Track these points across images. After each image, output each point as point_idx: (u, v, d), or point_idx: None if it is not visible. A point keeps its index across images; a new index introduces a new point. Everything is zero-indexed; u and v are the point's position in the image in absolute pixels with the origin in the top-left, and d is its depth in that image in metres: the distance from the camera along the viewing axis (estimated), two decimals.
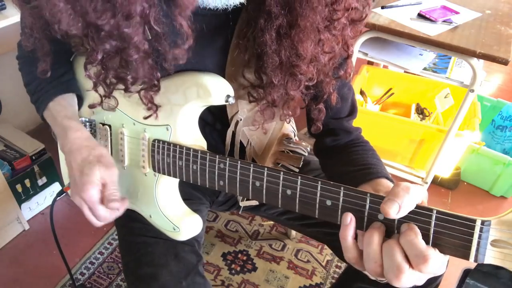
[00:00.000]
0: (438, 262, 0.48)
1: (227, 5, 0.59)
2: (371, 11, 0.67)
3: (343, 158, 0.83)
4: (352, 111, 0.87)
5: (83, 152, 0.73)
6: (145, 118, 0.73)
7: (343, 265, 1.54)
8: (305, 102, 0.78)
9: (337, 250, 0.97)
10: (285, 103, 0.73)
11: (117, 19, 0.54)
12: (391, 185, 0.68)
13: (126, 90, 0.66)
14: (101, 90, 0.69)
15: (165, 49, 0.60)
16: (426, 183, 1.76)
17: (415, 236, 0.48)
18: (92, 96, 0.84)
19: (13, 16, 1.33)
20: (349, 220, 0.53)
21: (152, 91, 0.68)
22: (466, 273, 0.47)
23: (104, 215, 0.72)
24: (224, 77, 0.72)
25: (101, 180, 0.71)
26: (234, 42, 0.70)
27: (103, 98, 0.71)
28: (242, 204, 1.00)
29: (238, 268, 1.53)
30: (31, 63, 0.83)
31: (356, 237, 0.55)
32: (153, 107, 0.70)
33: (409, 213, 0.50)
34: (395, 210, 0.48)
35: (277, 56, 0.64)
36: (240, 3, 0.59)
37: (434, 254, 0.48)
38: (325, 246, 1.63)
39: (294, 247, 1.63)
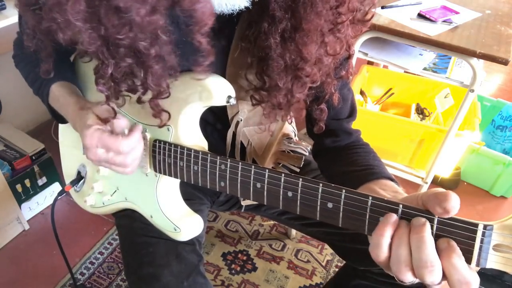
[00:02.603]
0: (477, 285, 0.46)
1: (233, 10, 0.59)
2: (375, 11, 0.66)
3: (344, 159, 0.83)
4: (352, 113, 0.87)
5: (80, 113, 0.72)
6: (160, 127, 0.72)
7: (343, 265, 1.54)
8: (307, 103, 0.78)
9: (338, 249, 0.97)
10: (290, 106, 0.72)
11: (132, 32, 0.54)
12: (397, 186, 0.68)
13: (139, 101, 0.67)
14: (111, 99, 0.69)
15: (171, 57, 0.60)
16: (426, 183, 1.76)
17: (459, 259, 0.46)
18: (93, 95, 0.84)
19: (13, 16, 1.33)
20: (394, 219, 0.50)
21: (161, 98, 0.67)
22: None
23: (120, 144, 0.68)
24: (225, 77, 0.72)
25: (100, 117, 0.69)
26: (235, 44, 0.70)
27: (112, 100, 0.71)
28: (244, 203, 1.00)
29: (238, 268, 1.53)
30: (27, 58, 0.83)
31: None
32: (161, 115, 0.69)
33: (411, 217, 0.50)
34: (457, 204, 0.46)
35: (282, 59, 0.64)
36: (245, 7, 0.59)
37: (476, 279, 0.46)
38: (325, 246, 1.63)
39: (294, 247, 1.63)
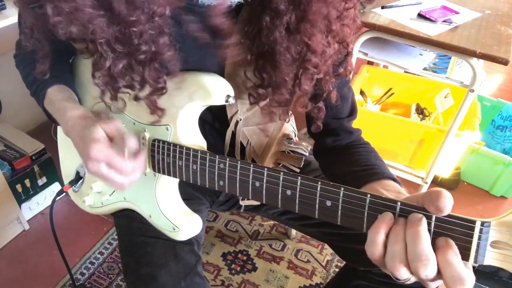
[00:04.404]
0: (473, 281, 0.46)
1: (231, 2, 0.59)
2: (370, 8, 0.66)
3: (346, 159, 0.83)
4: (352, 112, 0.87)
5: (81, 122, 0.70)
6: (151, 123, 0.73)
7: (343, 265, 1.54)
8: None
9: (338, 250, 0.97)
10: (298, 100, 0.71)
11: (144, 15, 0.54)
12: (400, 187, 0.68)
13: (136, 98, 0.67)
14: (107, 96, 0.69)
15: (171, 52, 0.60)
16: (426, 183, 1.76)
17: (455, 256, 0.46)
18: (91, 99, 0.84)
19: (13, 16, 1.33)
20: (390, 217, 0.51)
21: (158, 94, 0.67)
22: None
23: (123, 164, 0.67)
24: (223, 76, 0.72)
25: (108, 134, 0.68)
26: (234, 41, 0.70)
27: (110, 101, 0.71)
28: (243, 203, 1.00)
29: (238, 268, 1.53)
30: (28, 58, 0.83)
31: None
32: (157, 112, 0.70)
33: (409, 214, 0.50)
34: (450, 206, 0.46)
35: (288, 53, 0.63)
36: (243, 0, 0.59)
37: (471, 277, 0.45)
38: (325, 246, 1.63)
39: (294, 247, 1.63)
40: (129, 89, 0.65)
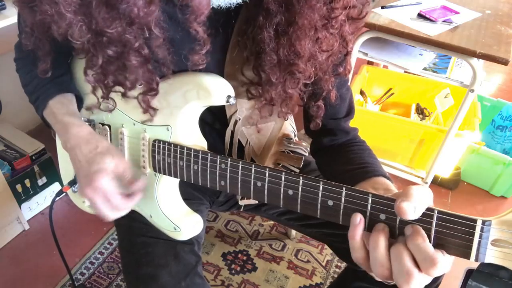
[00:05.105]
0: (446, 264, 0.48)
1: (230, 4, 0.59)
2: (370, 9, 0.67)
3: (341, 157, 0.84)
4: (350, 112, 0.87)
5: (90, 144, 0.71)
6: (143, 122, 0.73)
7: (343, 265, 1.54)
8: (304, 100, 0.78)
9: (338, 250, 0.97)
10: (283, 101, 0.72)
11: (121, 25, 0.54)
12: (389, 183, 0.69)
13: (124, 95, 0.67)
14: (99, 92, 0.69)
15: (164, 54, 0.61)
16: (426, 183, 1.76)
17: (422, 240, 0.48)
18: (91, 98, 0.84)
19: (13, 16, 1.33)
20: (359, 220, 0.53)
21: (150, 95, 0.68)
22: (469, 273, 0.48)
23: (120, 203, 0.68)
24: (223, 75, 0.72)
25: (114, 170, 0.68)
26: (234, 40, 0.70)
27: (101, 100, 0.71)
28: (242, 203, 1.00)
29: (238, 268, 1.53)
30: (29, 63, 0.83)
31: None
32: (150, 111, 0.70)
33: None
34: (411, 211, 0.47)
35: (275, 54, 0.63)
36: (243, 1, 0.59)
37: (442, 258, 0.48)
38: (325, 246, 1.63)
39: (294, 247, 1.63)
40: (121, 87, 0.66)
